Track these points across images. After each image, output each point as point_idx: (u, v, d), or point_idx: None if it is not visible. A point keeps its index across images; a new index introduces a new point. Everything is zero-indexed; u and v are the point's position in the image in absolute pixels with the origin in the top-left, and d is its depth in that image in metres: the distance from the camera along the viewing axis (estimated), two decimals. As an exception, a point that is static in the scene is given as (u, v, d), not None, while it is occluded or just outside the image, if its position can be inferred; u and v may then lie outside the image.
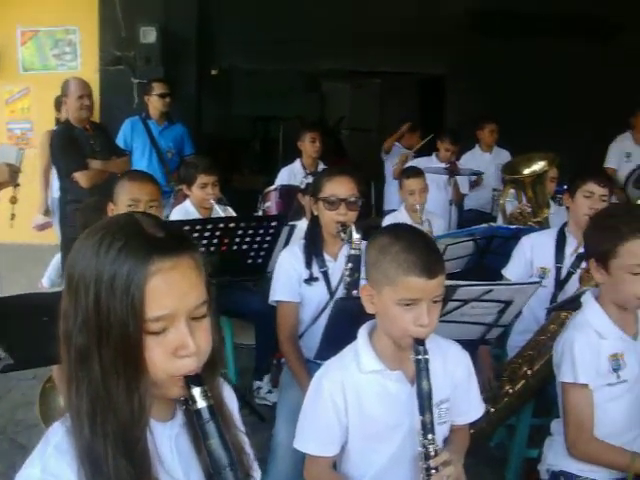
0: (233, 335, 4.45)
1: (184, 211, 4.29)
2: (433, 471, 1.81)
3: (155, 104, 5.94)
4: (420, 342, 1.86)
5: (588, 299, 2.40)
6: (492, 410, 3.31)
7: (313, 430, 2.04)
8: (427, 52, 7.66)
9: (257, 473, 1.49)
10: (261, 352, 4.41)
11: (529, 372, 3.24)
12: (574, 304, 2.59)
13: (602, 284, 2.33)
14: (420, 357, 1.85)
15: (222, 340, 4.31)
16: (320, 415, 2.01)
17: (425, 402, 1.84)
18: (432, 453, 1.82)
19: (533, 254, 3.54)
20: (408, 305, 1.85)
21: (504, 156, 6.29)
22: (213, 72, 8.08)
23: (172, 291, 1.21)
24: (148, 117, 5.97)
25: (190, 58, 7.09)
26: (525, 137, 5.55)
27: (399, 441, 1.99)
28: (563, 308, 2.94)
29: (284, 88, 10.63)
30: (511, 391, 3.31)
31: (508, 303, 2.58)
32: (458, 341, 2.20)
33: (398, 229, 2.10)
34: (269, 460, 2.80)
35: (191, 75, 7.18)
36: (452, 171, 5.45)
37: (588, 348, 2.29)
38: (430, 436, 1.82)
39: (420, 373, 1.85)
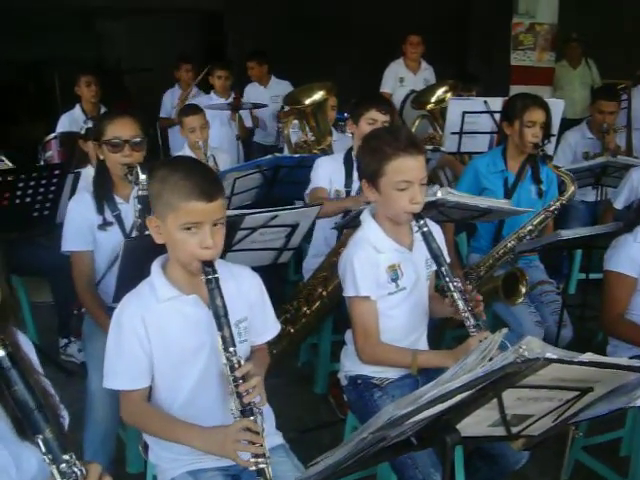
0: (28, 294, 4.29)
1: (-46, 167, 4.02)
2: (240, 381, 1.91)
3: None
4: (208, 264, 1.94)
5: (366, 217, 2.55)
6: (292, 330, 3.50)
7: (121, 366, 2.06)
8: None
9: (64, 413, 1.52)
10: (62, 308, 4.27)
11: (324, 293, 3.45)
12: (355, 221, 2.77)
13: (375, 202, 2.50)
14: (210, 277, 1.93)
15: (17, 300, 4.13)
16: (125, 350, 2.04)
17: (222, 319, 1.92)
18: (236, 365, 1.92)
19: (332, 177, 3.68)
20: (191, 229, 1.93)
21: (282, 88, 6.36)
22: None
23: None
24: None
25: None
26: (303, 69, 5.71)
27: (203, 362, 2.07)
28: (346, 226, 3.13)
29: (57, 28, 9.98)
30: (308, 312, 3.51)
31: (294, 226, 2.72)
32: (254, 268, 2.28)
33: (176, 160, 2.18)
34: (87, 410, 2.80)
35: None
36: (235, 106, 5.49)
37: (367, 262, 2.46)
38: (232, 349, 1.92)
39: (212, 292, 1.93)
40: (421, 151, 2.41)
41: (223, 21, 8.39)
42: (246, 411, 1.91)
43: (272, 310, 2.29)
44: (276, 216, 2.65)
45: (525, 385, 1.43)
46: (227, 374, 1.92)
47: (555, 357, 1.32)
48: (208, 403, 2.10)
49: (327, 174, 3.67)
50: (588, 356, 1.37)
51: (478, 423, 1.58)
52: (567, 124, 5.33)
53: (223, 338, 1.92)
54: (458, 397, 1.34)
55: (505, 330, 1.55)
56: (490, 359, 1.33)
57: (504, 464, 2.46)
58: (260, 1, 7.52)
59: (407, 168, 2.35)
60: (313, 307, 3.49)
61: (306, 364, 4.12)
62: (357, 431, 1.42)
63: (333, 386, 3.68)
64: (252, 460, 1.89)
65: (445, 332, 3.80)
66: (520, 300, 3.33)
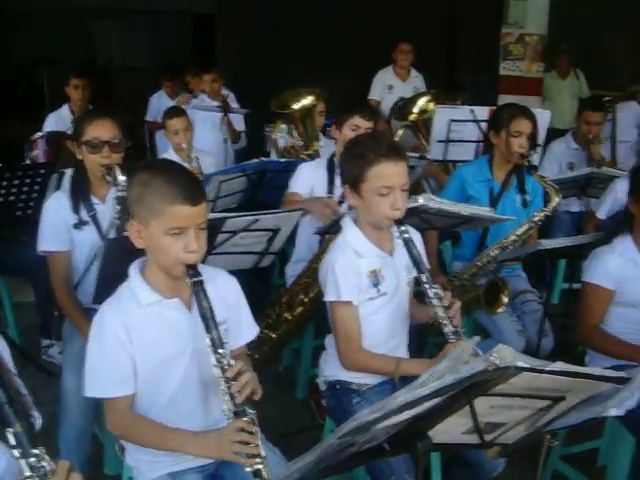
0: (11, 293, 4.26)
1: (-61, 166, 3.99)
2: (232, 382, 1.89)
3: None
4: (192, 267, 1.94)
5: (347, 222, 2.55)
6: (274, 336, 3.49)
7: (105, 373, 2.03)
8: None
9: (37, 414, 1.51)
10: (43, 308, 4.23)
11: (306, 299, 3.44)
12: (336, 227, 2.77)
13: (357, 207, 2.50)
14: (195, 279, 1.92)
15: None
16: (108, 355, 2.01)
17: (209, 321, 1.91)
18: (226, 366, 1.90)
19: (314, 183, 3.66)
20: (176, 234, 1.92)
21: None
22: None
23: None
24: None
25: None
26: (295, 73, 5.72)
27: (185, 366, 2.06)
28: (328, 231, 3.12)
29: (48, 29, 9.98)
30: (290, 317, 3.50)
31: (276, 231, 2.72)
32: (233, 272, 2.29)
33: (156, 164, 2.17)
34: (61, 410, 2.78)
35: None
36: (225, 109, 5.49)
37: (349, 267, 2.45)
38: (221, 351, 1.90)
39: (198, 294, 1.92)
40: (403, 157, 2.41)
41: (214, 23, 8.41)
42: (239, 412, 1.89)
43: (249, 313, 2.28)
44: (257, 220, 2.65)
45: (497, 393, 1.44)
46: (218, 376, 1.90)
47: (526, 366, 1.33)
48: (188, 407, 2.10)
49: (308, 180, 3.66)
50: (559, 365, 1.38)
51: (451, 430, 1.58)
52: (556, 134, 5.36)
53: (212, 340, 1.91)
54: (428, 404, 1.34)
55: (478, 338, 1.56)
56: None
57: (480, 472, 2.47)
58: (251, 4, 7.53)
59: (388, 174, 2.36)
60: (295, 313, 3.48)
61: (288, 369, 4.12)
62: (328, 436, 1.42)
63: (314, 391, 3.67)
64: (249, 460, 1.87)
65: (427, 338, 3.80)
66: (501, 309, 3.34)
